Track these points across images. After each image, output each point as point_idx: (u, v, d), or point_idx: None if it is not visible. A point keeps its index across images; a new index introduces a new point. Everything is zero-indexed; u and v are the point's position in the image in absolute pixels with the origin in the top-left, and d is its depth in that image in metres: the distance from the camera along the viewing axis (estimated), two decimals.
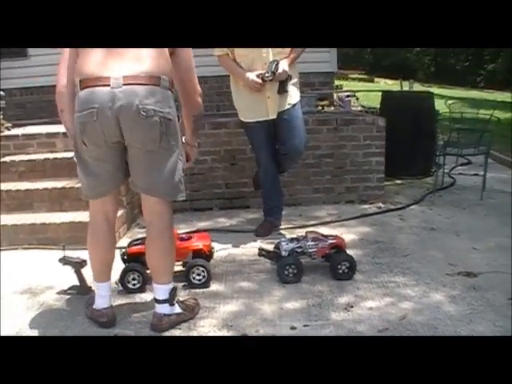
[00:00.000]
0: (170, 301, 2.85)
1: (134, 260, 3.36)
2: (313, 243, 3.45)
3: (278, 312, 3.03)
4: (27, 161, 4.83)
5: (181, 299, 3.01)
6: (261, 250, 3.60)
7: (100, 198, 2.85)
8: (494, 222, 4.43)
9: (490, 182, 5.36)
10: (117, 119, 2.56)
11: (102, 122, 2.56)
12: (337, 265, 3.39)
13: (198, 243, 3.46)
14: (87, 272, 3.19)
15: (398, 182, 5.83)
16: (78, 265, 3.30)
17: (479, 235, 4.13)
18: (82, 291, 3.31)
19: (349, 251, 3.53)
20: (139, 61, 2.59)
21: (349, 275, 3.39)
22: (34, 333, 2.88)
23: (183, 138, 3.00)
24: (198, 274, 3.35)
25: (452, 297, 3.13)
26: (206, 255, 3.45)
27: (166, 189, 2.75)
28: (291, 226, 4.45)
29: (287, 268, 3.37)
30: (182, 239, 3.42)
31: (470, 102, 9.46)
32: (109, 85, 2.54)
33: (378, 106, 6.51)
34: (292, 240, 3.53)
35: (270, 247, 3.65)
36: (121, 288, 3.31)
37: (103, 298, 2.93)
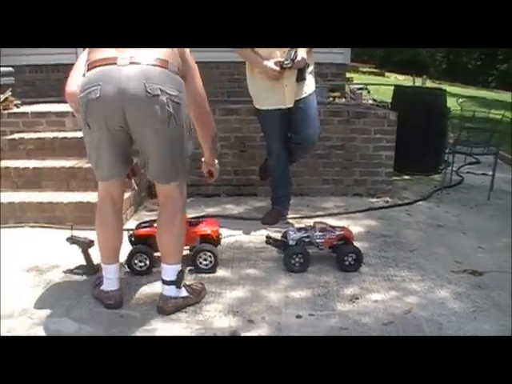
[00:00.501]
0: (177, 283, 2.85)
1: (142, 242, 3.36)
2: (320, 234, 3.45)
3: (283, 300, 3.03)
4: (36, 139, 4.83)
5: (187, 283, 3.02)
6: (268, 237, 3.60)
7: (106, 181, 2.85)
8: (500, 223, 4.42)
9: (497, 183, 5.34)
10: (121, 98, 2.51)
11: (104, 100, 2.52)
12: (343, 256, 3.40)
13: (205, 228, 3.46)
14: (94, 252, 3.20)
15: (406, 177, 5.82)
16: (86, 245, 3.30)
17: (486, 235, 4.12)
18: (88, 271, 3.32)
19: (355, 244, 3.53)
20: (148, 50, 2.56)
21: (355, 267, 3.40)
22: (40, 311, 2.89)
23: (202, 159, 3.14)
24: (205, 259, 3.35)
25: (457, 294, 3.13)
26: (213, 241, 3.45)
27: (174, 174, 2.75)
28: (298, 215, 4.45)
29: (294, 257, 3.37)
30: (190, 224, 3.41)
31: (481, 102, 9.41)
32: (115, 63, 2.52)
33: (389, 101, 6.48)
34: (300, 229, 3.53)
35: (277, 236, 3.65)
36: (128, 270, 3.32)
37: (111, 279, 2.93)
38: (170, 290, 2.86)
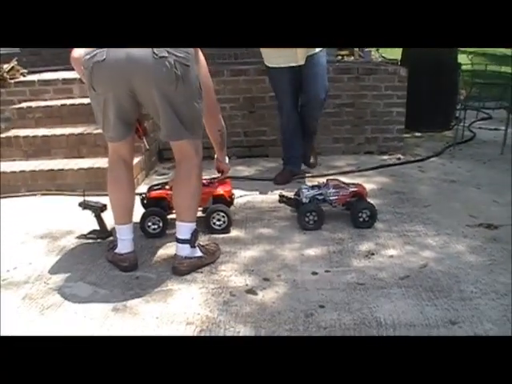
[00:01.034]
0: (192, 242, 2.84)
1: (154, 205, 3.35)
2: (334, 191, 3.42)
3: (299, 258, 3.02)
4: (44, 107, 4.82)
5: (201, 244, 3.01)
6: (281, 196, 3.58)
7: (114, 143, 2.84)
8: None
9: (510, 138, 5.27)
10: (127, 61, 2.48)
11: (110, 62, 2.50)
12: (357, 213, 3.37)
13: (218, 189, 3.44)
14: (107, 217, 3.20)
15: (418, 134, 5.77)
16: (98, 209, 3.28)
17: (500, 189, 4.08)
18: (101, 235, 3.32)
19: (369, 200, 3.50)
20: None
21: (369, 223, 3.37)
22: (55, 276, 2.90)
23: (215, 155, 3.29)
24: (219, 220, 3.34)
25: (473, 247, 3.11)
26: (226, 201, 3.44)
27: (185, 131, 2.71)
28: (310, 174, 4.43)
29: (308, 215, 3.35)
30: (202, 184, 3.39)
31: (491, 57, 9.27)
32: None
33: (399, 58, 6.39)
34: (313, 187, 3.50)
35: (291, 194, 3.63)
36: (141, 233, 3.31)
37: (125, 241, 2.92)
38: (185, 249, 2.85)
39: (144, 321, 2.45)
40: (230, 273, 2.87)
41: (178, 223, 2.87)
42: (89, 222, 3.35)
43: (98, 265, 3.01)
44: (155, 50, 2.46)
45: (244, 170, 4.66)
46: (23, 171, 4.25)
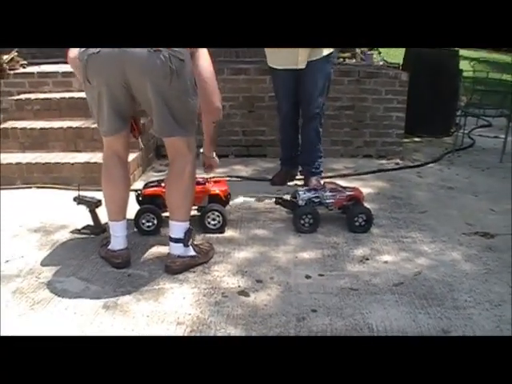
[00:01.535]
0: (185, 241, 2.83)
1: (149, 202, 3.33)
2: (330, 194, 3.41)
3: (292, 261, 3.01)
4: (43, 99, 4.79)
5: (195, 243, 2.99)
6: (278, 198, 3.56)
7: (109, 138, 2.82)
8: None
9: (509, 146, 5.25)
10: (122, 54, 2.46)
11: (105, 54, 2.48)
12: (353, 217, 3.35)
13: (214, 188, 3.42)
14: (102, 213, 3.17)
15: (417, 139, 5.76)
16: (93, 204, 3.26)
17: (497, 197, 4.07)
18: (95, 231, 3.30)
19: (365, 205, 3.49)
20: None
21: (365, 228, 3.36)
22: (47, 271, 2.88)
23: (200, 149, 3.07)
24: (214, 219, 3.32)
25: (468, 256, 3.09)
26: (222, 200, 3.41)
27: (178, 128, 2.68)
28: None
29: (303, 217, 3.33)
30: (198, 183, 3.36)
31: (493, 65, 9.25)
32: None
33: (400, 62, 6.37)
34: (310, 190, 3.48)
35: (287, 196, 3.61)
36: (135, 229, 3.29)
37: (118, 238, 2.90)
38: (178, 248, 2.83)
39: (134, 319, 2.43)
40: (222, 273, 2.85)
41: (171, 222, 2.85)
42: (83, 217, 3.33)
43: (91, 260, 2.99)
44: None
45: (241, 170, 4.65)
46: (19, 163, 4.23)
